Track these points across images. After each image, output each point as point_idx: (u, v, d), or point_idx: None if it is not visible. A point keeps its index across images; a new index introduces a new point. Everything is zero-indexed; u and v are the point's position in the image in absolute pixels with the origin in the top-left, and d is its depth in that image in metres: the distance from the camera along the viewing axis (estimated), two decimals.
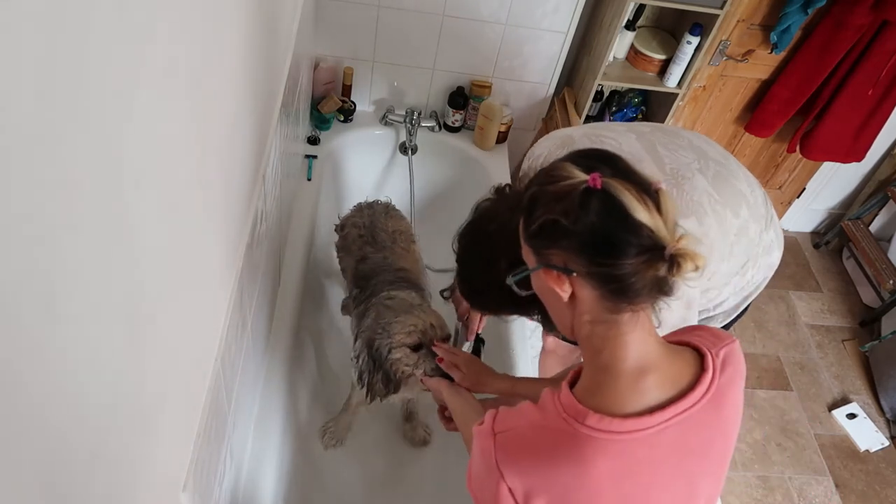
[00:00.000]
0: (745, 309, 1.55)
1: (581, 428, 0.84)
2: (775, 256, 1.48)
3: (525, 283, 0.94)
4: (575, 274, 0.83)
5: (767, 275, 1.50)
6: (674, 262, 0.78)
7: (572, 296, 0.86)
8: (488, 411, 0.97)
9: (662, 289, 0.82)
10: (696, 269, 0.78)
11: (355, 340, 1.64)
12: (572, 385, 0.90)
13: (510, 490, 0.87)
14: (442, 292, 1.67)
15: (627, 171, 0.83)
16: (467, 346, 1.58)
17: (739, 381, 0.93)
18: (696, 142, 1.40)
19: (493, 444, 0.89)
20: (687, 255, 0.77)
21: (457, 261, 1.32)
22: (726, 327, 1.58)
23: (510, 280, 0.96)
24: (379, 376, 1.52)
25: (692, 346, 0.92)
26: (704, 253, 0.79)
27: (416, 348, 1.49)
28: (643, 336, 0.85)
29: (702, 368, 0.89)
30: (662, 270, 0.79)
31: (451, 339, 1.51)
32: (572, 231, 0.80)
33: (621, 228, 0.78)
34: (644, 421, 0.83)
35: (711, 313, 1.49)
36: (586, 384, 0.88)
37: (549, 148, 1.42)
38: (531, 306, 1.18)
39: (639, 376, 0.85)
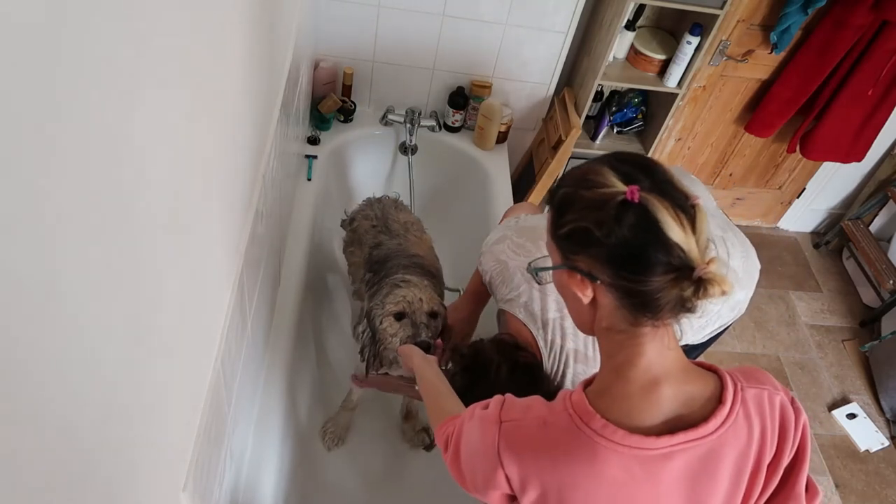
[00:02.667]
0: (723, 331, 1.54)
1: (584, 429, 0.84)
2: (738, 296, 1.45)
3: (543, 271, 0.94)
4: (599, 282, 0.83)
5: (741, 309, 1.48)
6: (701, 285, 0.77)
7: (593, 300, 0.86)
8: (495, 397, 0.97)
9: (686, 306, 0.81)
10: (723, 293, 0.77)
11: (362, 319, 1.66)
12: (588, 385, 0.90)
13: (507, 477, 0.89)
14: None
15: (666, 183, 0.81)
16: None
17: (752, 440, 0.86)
18: None
19: (497, 431, 0.90)
20: (715, 280, 0.76)
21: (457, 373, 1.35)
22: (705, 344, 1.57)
23: (530, 269, 0.96)
24: (375, 349, 1.56)
25: (715, 372, 0.89)
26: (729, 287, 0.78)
27: (399, 317, 1.52)
28: (661, 348, 0.84)
29: (719, 400, 0.85)
30: (688, 291, 0.77)
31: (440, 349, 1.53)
32: (603, 242, 0.79)
33: (653, 246, 0.77)
34: (649, 442, 0.82)
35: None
36: (599, 384, 0.89)
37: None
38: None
39: (652, 385, 0.84)
